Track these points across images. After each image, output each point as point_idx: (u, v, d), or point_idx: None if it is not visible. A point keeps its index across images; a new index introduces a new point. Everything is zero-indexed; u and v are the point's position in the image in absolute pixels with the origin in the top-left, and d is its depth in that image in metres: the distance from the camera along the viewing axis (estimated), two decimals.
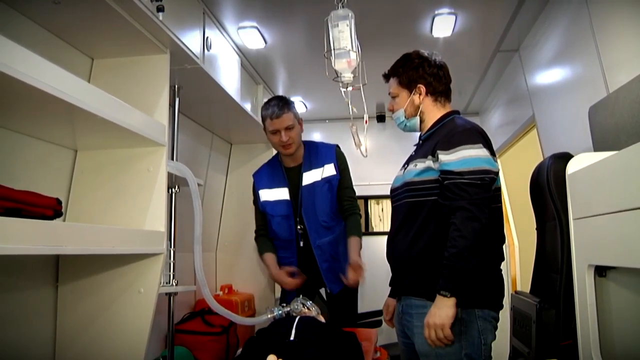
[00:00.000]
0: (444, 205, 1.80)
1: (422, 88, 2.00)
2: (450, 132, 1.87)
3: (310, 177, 2.72)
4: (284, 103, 2.62)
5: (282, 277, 2.73)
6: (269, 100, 2.69)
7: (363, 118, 2.24)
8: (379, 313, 3.11)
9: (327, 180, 2.70)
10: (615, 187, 1.22)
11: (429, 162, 1.87)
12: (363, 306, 3.64)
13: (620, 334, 1.34)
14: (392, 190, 2.10)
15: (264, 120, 2.66)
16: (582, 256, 1.40)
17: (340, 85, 2.14)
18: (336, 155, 2.76)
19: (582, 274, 1.39)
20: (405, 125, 2.06)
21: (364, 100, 2.15)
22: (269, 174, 2.82)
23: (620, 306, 1.35)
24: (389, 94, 2.08)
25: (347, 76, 2.09)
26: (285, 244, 2.76)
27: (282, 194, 2.75)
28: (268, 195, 2.77)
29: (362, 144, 2.29)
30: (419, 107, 2.02)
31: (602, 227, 1.27)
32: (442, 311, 1.69)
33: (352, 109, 2.15)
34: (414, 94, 2.00)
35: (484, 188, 1.75)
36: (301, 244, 2.71)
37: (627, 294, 1.33)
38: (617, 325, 1.35)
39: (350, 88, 2.12)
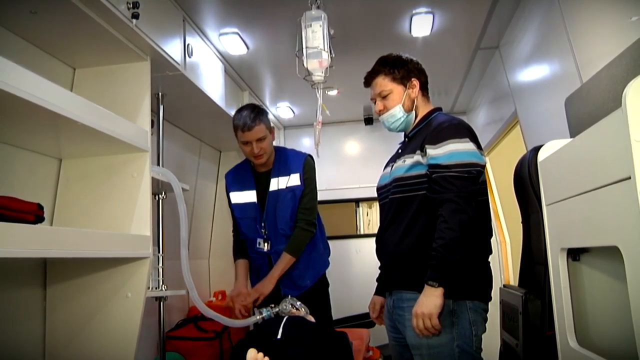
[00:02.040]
0: (432, 198, 1.82)
1: (416, 82, 2.02)
2: (437, 127, 1.89)
3: (276, 184, 2.74)
4: (255, 114, 2.59)
5: (237, 297, 2.69)
6: (241, 109, 2.65)
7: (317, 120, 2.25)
8: None
9: (290, 190, 2.71)
10: (579, 169, 1.25)
11: (417, 157, 1.89)
12: (356, 308, 3.66)
13: (595, 318, 1.36)
14: (379, 189, 2.12)
15: (235, 129, 2.63)
16: (556, 241, 1.42)
17: (312, 85, 2.16)
18: (303, 166, 2.75)
19: (555, 259, 1.41)
20: (402, 121, 2.02)
21: (319, 101, 2.17)
22: (239, 177, 2.83)
23: (593, 289, 1.37)
24: (378, 94, 2.02)
25: (318, 75, 2.11)
26: (255, 245, 2.77)
27: (250, 196, 2.77)
28: (237, 197, 2.80)
29: (320, 144, 2.32)
30: (414, 102, 2.02)
31: (571, 210, 1.30)
32: (430, 300, 1.71)
33: (325, 110, 2.16)
34: (408, 88, 2.00)
35: (470, 181, 1.78)
36: (266, 247, 2.72)
37: (600, 276, 1.36)
38: (591, 309, 1.37)
39: (321, 87, 2.14)
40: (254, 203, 2.75)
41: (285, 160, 2.77)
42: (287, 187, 2.72)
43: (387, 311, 2.05)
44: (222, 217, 3.83)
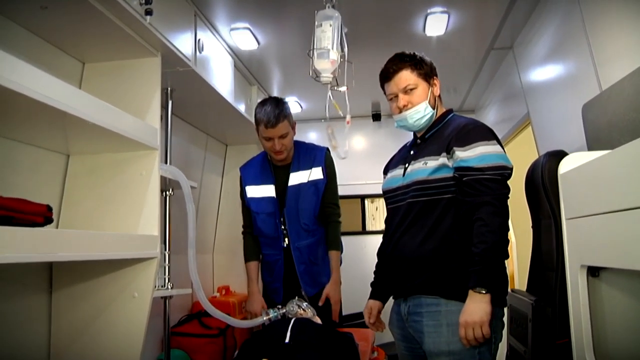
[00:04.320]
0: (464, 202, 1.77)
1: (437, 81, 1.97)
2: (463, 129, 1.84)
3: (297, 178, 2.70)
4: (280, 110, 2.53)
5: (253, 300, 2.72)
6: (264, 102, 2.59)
7: (345, 118, 2.22)
8: None
9: (313, 183, 2.69)
10: (607, 188, 1.21)
11: (442, 160, 1.82)
12: (360, 306, 3.64)
13: (614, 334, 1.34)
14: (387, 191, 2.04)
15: (257, 123, 2.58)
16: (575, 256, 1.40)
17: (330, 87, 2.11)
18: (325, 159, 2.74)
19: (575, 274, 1.39)
20: (427, 118, 1.93)
21: (347, 101, 2.12)
22: (256, 170, 2.79)
23: (613, 306, 1.34)
24: (402, 89, 1.91)
25: (326, 76, 2.06)
26: (270, 241, 2.75)
27: (268, 191, 2.73)
28: (254, 191, 2.76)
29: (338, 146, 2.27)
30: (435, 100, 1.96)
31: (594, 227, 1.27)
32: (480, 308, 1.64)
33: (337, 109, 2.11)
34: (431, 85, 1.94)
35: (503, 184, 1.74)
36: (285, 243, 2.71)
37: (620, 294, 1.33)
38: (610, 325, 1.34)
39: (332, 88, 2.09)
40: (272, 198, 2.72)
41: (305, 153, 2.75)
42: (309, 181, 2.69)
43: (397, 320, 1.97)
44: (227, 212, 3.81)
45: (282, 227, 2.69)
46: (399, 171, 2.00)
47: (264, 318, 2.36)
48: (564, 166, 1.46)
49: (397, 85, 1.93)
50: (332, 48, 2.06)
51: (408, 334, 1.92)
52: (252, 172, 2.80)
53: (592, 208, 1.26)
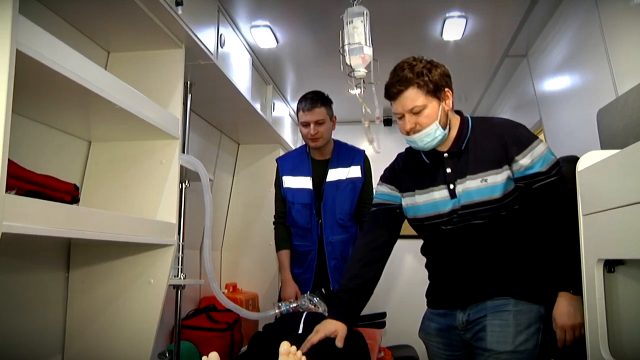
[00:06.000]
0: (535, 208, 1.72)
1: (449, 92, 1.77)
2: (509, 133, 1.75)
3: (335, 174, 2.78)
4: (318, 97, 2.71)
5: (288, 286, 2.75)
6: (307, 93, 2.77)
7: (375, 116, 2.24)
8: (382, 315, 3.14)
9: (351, 181, 2.76)
10: (625, 181, 1.24)
11: (507, 172, 1.72)
12: (368, 307, 3.66)
13: (629, 330, 1.35)
14: (433, 217, 1.83)
15: (297, 111, 2.76)
16: (592, 251, 1.41)
17: (354, 81, 2.13)
18: (364, 160, 2.83)
19: (591, 270, 1.40)
20: (439, 140, 1.76)
21: (375, 99, 2.13)
22: (294, 162, 2.87)
23: (629, 301, 1.36)
24: (409, 110, 1.73)
25: (361, 71, 2.09)
26: (302, 232, 2.80)
27: (305, 182, 2.80)
28: (291, 182, 2.82)
29: (374, 140, 2.28)
30: (447, 115, 1.78)
31: (611, 221, 1.29)
32: (579, 311, 1.61)
33: (364, 108, 2.12)
34: (442, 100, 1.75)
35: (565, 181, 1.71)
36: (319, 234, 2.76)
37: (635, 290, 1.35)
38: (626, 321, 1.36)
39: (360, 86, 2.11)
40: (309, 190, 2.78)
41: (345, 151, 2.83)
42: (347, 178, 2.76)
43: (440, 329, 1.91)
44: (236, 210, 3.84)
45: (317, 218, 2.75)
46: (441, 193, 1.82)
47: (276, 311, 2.38)
48: (582, 164, 1.48)
49: (403, 106, 1.74)
50: (365, 43, 2.09)
51: (456, 341, 1.88)
52: (290, 164, 2.88)
53: (609, 202, 1.28)
